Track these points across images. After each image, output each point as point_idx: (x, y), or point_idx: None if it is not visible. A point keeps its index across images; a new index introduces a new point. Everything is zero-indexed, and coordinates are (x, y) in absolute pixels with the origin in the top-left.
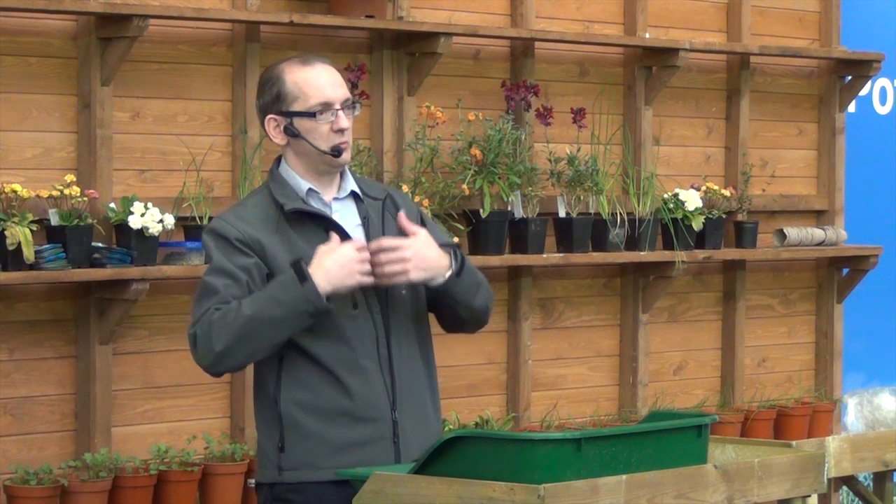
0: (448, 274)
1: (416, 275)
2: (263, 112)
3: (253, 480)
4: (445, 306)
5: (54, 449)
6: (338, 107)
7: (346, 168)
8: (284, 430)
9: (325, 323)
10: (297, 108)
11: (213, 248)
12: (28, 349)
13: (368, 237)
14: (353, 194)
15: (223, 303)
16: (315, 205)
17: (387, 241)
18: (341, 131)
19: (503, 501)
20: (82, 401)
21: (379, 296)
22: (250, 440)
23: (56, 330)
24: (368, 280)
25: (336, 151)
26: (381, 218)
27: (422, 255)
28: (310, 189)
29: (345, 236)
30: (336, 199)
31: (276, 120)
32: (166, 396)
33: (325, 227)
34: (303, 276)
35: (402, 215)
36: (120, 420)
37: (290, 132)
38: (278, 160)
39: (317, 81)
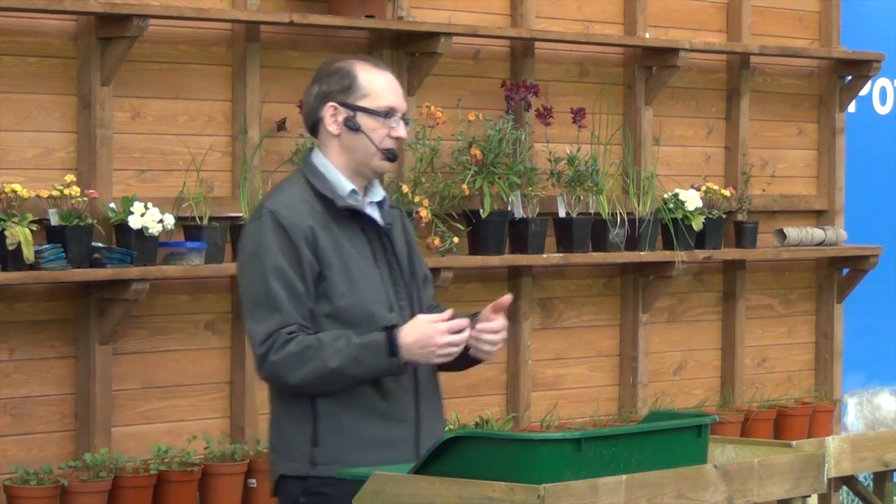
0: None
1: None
2: (324, 98)
3: (254, 480)
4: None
5: (54, 449)
6: (399, 116)
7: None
8: (319, 425)
9: (367, 324)
10: (365, 104)
11: (271, 241)
12: (28, 349)
13: (393, 243)
14: (378, 200)
15: (290, 325)
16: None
17: (493, 326)
18: (396, 139)
19: (503, 501)
20: (82, 401)
21: (410, 301)
22: (250, 440)
23: (56, 330)
24: (443, 361)
25: (389, 155)
26: (401, 225)
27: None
28: (353, 190)
29: (388, 240)
30: (370, 202)
31: (336, 108)
32: (166, 396)
33: (361, 226)
34: (393, 351)
35: (506, 299)
36: (120, 420)
37: (352, 125)
38: (311, 152)
39: (389, 87)
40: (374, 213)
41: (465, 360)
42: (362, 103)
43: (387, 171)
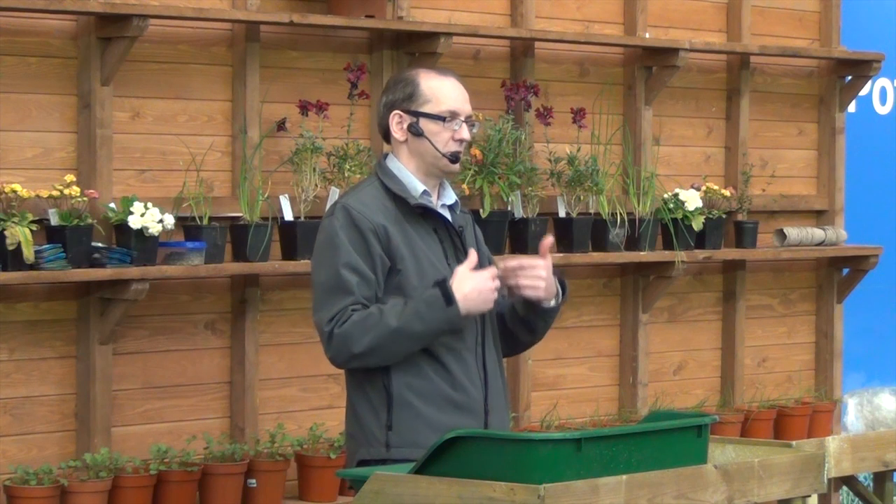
0: (555, 302)
1: (542, 293)
2: (389, 108)
3: (254, 480)
4: (522, 329)
5: (54, 449)
6: (463, 119)
7: (446, 180)
8: (394, 411)
9: None
10: (427, 109)
11: (342, 235)
12: (28, 349)
13: (464, 246)
14: (449, 204)
15: (357, 304)
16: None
17: (527, 261)
18: (461, 141)
19: (503, 501)
20: (82, 401)
21: None
22: (250, 440)
23: (56, 330)
24: (491, 306)
25: (453, 157)
26: (472, 230)
27: (549, 277)
28: (424, 191)
29: (459, 239)
30: (442, 205)
31: (401, 116)
32: (166, 396)
33: (433, 225)
34: (449, 300)
35: (548, 241)
36: (120, 420)
37: (415, 130)
38: (384, 157)
39: (450, 92)
40: (446, 214)
41: (529, 319)
42: (424, 109)
43: (455, 171)
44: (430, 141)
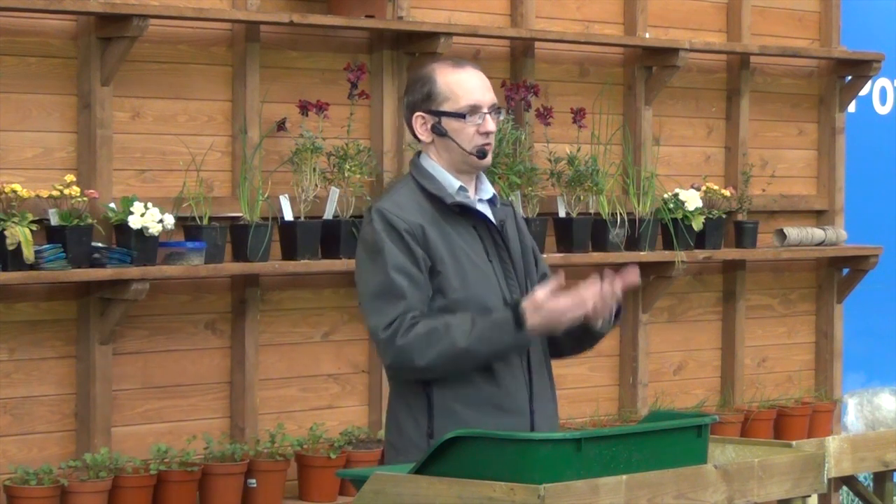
0: (604, 323)
1: (602, 320)
2: (411, 109)
3: (254, 480)
4: (567, 341)
5: (54, 449)
6: (486, 110)
7: (482, 172)
8: (435, 418)
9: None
10: (446, 108)
11: (385, 238)
12: (28, 349)
13: (505, 242)
14: (487, 198)
15: (412, 311)
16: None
17: (605, 289)
18: (487, 134)
19: (503, 501)
20: (82, 401)
21: (522, 295)
22: (250, 440)
23: (56, 330)
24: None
25: (480, 153)
26: (514, 224)
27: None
28: (461, 187)
29: (499, 235)
30: (480, 199)
31: (423, 118)
32: (166, 396)
33: (472, 223)
34: (520, 324)
35: (633, 276)
36: (120, 420)
37: (438, 131)
38: (418, 155)
39: (468, 84)
40: (485, 209)
41: (578, 335)
42: (444, 107)
43: (485, 166)
44: (453, 140)
